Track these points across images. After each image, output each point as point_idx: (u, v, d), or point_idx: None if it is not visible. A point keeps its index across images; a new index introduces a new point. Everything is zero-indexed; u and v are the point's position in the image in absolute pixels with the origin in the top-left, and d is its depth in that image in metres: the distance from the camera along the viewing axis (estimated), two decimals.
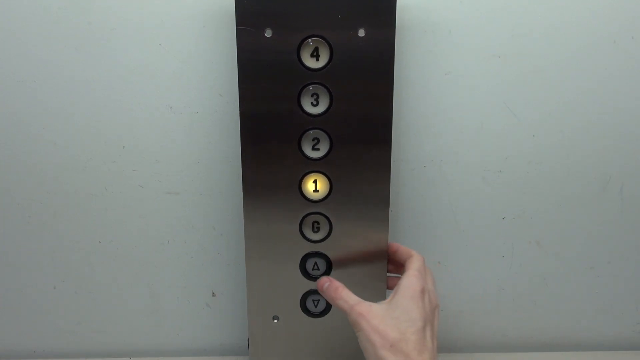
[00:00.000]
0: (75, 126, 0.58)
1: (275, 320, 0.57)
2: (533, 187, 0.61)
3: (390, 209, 0.54)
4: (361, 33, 0.48)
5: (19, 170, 0.59)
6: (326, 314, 0.57)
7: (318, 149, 0.52)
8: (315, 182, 0.53)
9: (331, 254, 0.55)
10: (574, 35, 0.57)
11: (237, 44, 0.49)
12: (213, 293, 0.65)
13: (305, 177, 0.52)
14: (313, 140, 0.51)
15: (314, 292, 0.55)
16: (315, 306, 0.57)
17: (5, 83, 0.56)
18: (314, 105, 0.51)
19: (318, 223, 0.54)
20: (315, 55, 0.49)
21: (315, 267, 0.55)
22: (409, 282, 0.48)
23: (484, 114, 0.59)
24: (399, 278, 0.50)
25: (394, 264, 0.55)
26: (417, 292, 0.47)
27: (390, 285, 0.55)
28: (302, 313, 0.57)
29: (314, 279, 0.55)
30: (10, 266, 0.63)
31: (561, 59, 0.57)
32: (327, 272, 0.55)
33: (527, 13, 0.56)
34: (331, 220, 0.54)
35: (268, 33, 0.48)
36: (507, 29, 0.56)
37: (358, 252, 0.55)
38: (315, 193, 0.53)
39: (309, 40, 0.49)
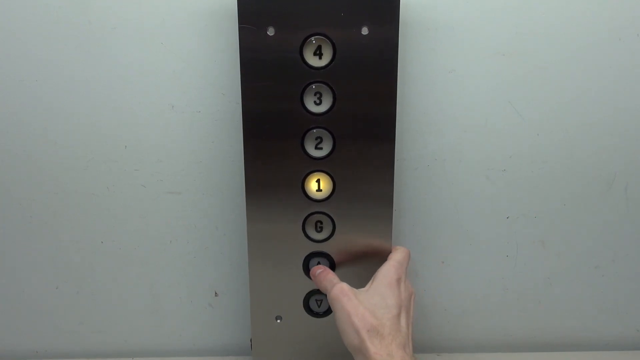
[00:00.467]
0: (77, 126, 0.58)
1: (278, 320, 0.57)
2: (537, 186, 0.61)
3: (394, 208, 0.54)
4: (364, 31, 0.48)
5: (20, 170, 0.59)
6: (329, 313, 0.56)
7: (321, 148, 0.51)
8: (318, 181, 0.52)
9: (334, 254, 0.54)
10: (578, 32, 0.56)
11: (240, 43, 0.48)
12: (215, 293, 0.64)
13: (308, 177, 0.52)
14: (316, 139, 0.51)
15: (317, 292, 0.55)
16: (318, 306, 0.57)
17: (5, 83, 0.56)
18: (317, 104, 0.50)
19: (321, 223, 0.54)
20: (318, 53, 0.49)
21: None
22: (387, 271, 0.51)
23: (487, 113, 0.58)
24: None
25: None
26: (393, 280, 0.50)
27: None
28: (305, 313, 0.56)
29: None
30: (11, 266, 0.63)
31: (565, 57, 0.57)
32: None
33: (531, 10, 0.55)
34: (334, 219, 0.53)
35: (270, 31, 0.48)
36: (511, 27, 0.56)
37: (361, 252, 0.54)
38: (319, 192, 0.53)
39: (312, 38, 0.48)
